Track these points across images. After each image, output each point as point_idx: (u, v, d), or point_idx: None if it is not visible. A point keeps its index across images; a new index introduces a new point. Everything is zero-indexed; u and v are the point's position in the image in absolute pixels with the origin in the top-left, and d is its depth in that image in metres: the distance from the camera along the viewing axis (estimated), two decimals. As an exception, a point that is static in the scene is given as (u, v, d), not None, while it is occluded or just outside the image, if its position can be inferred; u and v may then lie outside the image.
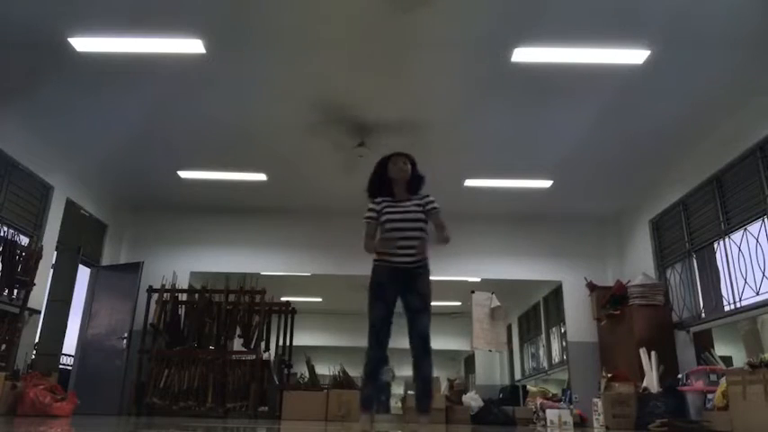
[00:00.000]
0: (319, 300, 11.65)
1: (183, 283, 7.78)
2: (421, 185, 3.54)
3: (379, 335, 3.27)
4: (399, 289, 3.30)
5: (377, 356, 3.27)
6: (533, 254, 8.23)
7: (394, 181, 3.46)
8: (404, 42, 4.60)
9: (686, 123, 5.63)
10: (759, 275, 5.27)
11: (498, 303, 7.74)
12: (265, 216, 8.29)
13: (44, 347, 6.68)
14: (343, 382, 6.96)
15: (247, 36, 4.54)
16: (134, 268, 7.59)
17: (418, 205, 3.41)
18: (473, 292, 7.92)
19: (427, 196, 3.47)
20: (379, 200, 3.46)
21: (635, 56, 4.57)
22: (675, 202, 6.75)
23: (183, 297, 7.55)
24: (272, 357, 7.48)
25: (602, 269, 8.08)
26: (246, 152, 6.62)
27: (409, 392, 7.59)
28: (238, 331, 7.26)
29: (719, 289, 5.98)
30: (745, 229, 5.50)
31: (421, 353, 3.21)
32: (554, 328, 10.04)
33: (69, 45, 4.55)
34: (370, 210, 3.43)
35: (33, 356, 6.38)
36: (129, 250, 8.23)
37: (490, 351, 8.03)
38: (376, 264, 3.36)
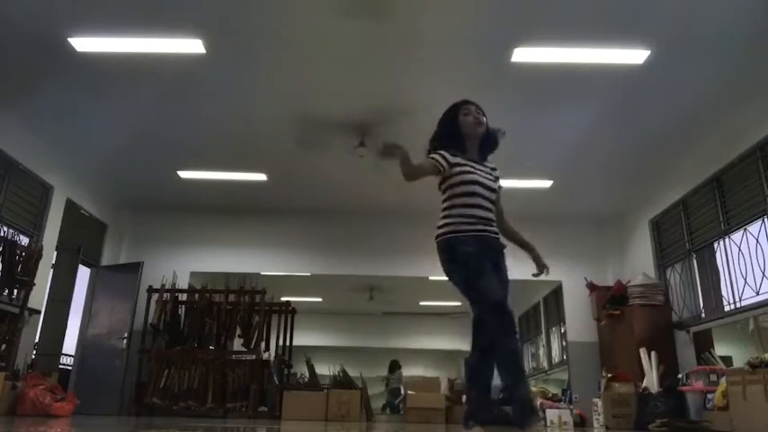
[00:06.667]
0: (319, 300, 11.55)
1: (182, 283, 7.77)
2: (494, 148, 2.84)
3: (506, 310, 2.38)
4: (491, 263, 2.58)
5: (515, 346, 2.42)
6: (533, 254, 8.21)
7: (467, 137, 2.77)
8: (404, 43, 4.60)
9: (686, 123, 5.62)
10: (759, 275, 5.27)
11: None
12: (265, 216, 8.27)
13: (44, 347, 6.67)
14: (343, 382, 6.96)
15: (247, 36, 4.54)
16: (134, 268, 7.58)
17: (492, 174, 2.77)
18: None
19: (496, 169, 2.84)
20: (453, 152, 2.71)
21: (635, 56, 4.57)
22: (675, 202, 6.74)
23: (183, 297, 7.54)
24: (272, 357, 7.47)
25: (602, 269, 8.07)
26: (246, 152, 6.61)
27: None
28: (238, 331, 7.26)
29: (719, 289, 5.98)
30: (745, 229, 5.50)
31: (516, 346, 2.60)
32: (554, 328, 10.04)
33: (69, 45, 4.54)
34: (442, 156, 2.66)
35: (33, 356, 6.37)
36: (128, 250, 8.23)
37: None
38: (453, 235, 2.60)
